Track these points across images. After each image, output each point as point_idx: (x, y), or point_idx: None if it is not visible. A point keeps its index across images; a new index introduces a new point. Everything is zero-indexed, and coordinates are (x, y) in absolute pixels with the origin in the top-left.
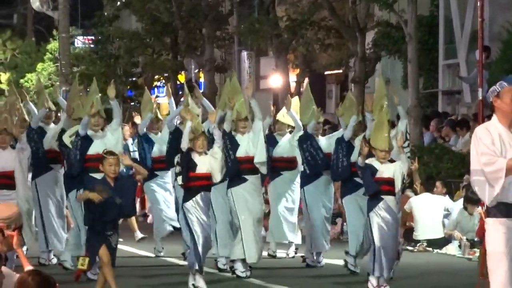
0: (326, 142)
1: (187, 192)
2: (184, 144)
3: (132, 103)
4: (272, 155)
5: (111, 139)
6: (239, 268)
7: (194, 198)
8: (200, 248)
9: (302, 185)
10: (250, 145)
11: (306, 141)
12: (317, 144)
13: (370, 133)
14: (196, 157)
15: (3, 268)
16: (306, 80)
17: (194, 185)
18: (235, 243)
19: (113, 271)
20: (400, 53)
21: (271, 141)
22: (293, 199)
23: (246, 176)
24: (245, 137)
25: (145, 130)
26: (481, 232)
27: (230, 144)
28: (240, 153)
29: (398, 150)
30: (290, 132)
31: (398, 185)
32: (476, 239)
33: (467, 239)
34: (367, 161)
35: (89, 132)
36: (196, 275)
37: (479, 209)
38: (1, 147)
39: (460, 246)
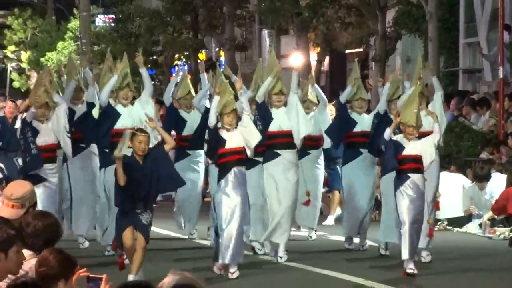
0: (368, 119)
1: (220, 170)
2: (212, 120)
3: (153, 82)
4: None
5: (140, 112)
6: (280, 252)
7: (227, 176)
8: (223, 238)
9: (342, 164)
10: (285, 119)
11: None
12: (348, 116)
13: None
14: (224, 133)
15: (25, 251)
16: (356, 59)
17: (225, 161)
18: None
19: (139, 255)
20: (421, 31)
21: None
22: (317, 180)
23: (279, 151)
24: (280, 111)
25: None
26: (498, 210)
27: (262, 117)
28: (274, 127)
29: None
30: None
31: (427, 159)
32: (496, 217)
33: (488, 219)
34: (395, 137)
35: (118, 106)
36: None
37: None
38: (41, 121)
39: (480, 225)
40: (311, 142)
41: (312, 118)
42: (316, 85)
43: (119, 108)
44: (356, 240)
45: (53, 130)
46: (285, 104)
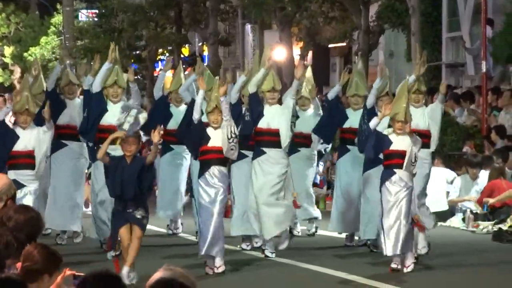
0: None
1: (201, 166)
2: (196, 115)
3: (136, 77)
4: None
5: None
6: (269, 249)
7: (208, 173)
8: (207, 233)
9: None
10: (275, 118)
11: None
12: (342, 113)
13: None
14: (210, 131)
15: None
16: (359, 53)
17: (206, 158)
18: (253, 219)
19: (134, 244)
20: (404, 26)
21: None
22: (309, 177)
23: (265, 149)
24: (272, 108)
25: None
26: (482, 202)
27: (253, 109)
28: (262, 124)
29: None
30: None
31: (408, 158)
32: (478, 211)
33: (471, 211)
34: (384, 131)
35: (108, 103)
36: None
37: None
38: (22, 127)
39: (464, 219)
40: (302, 140)
41: (310, 115)
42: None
43: (108, 104)
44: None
45: (36, 139)
46: (279, 101)
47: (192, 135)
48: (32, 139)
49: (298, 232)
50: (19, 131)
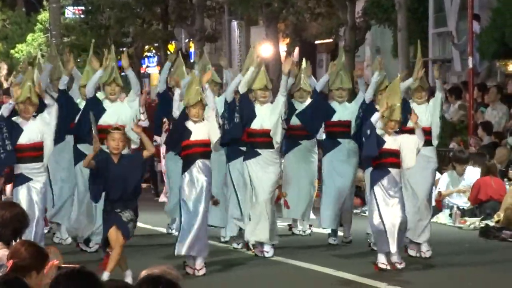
0: (350, 108)
1: (185, 161)
2: (175, 111)
3: (123, 73)
4: (290, 123)
5: (126, 110)
6: (265, 249)
7: (191, 168)
8: (189, 232)
9: (322, 154)
10: (267, 118)
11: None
12: (326, 105)
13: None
14: (191, 125)
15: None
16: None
17: (190, 153)
18: (247, 222)
19: (116, 252)
20: (390, 21)
21: (289, 107)
22: (311, 171)
23: (259, 150)
24: (264, 108)
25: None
26: (473, 200)
27: (242, 108)
28: (255, 125)
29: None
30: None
31: (408, 158)
32: (466, 207)
33: (458, 207)
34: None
35: (105, 102)
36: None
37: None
38: (25, 118)
39: (450, 215)
40: (301, 132)
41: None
42: (312, 78)
43: (106, 103)
44: (340, 233)
45: (40, 129)
46: (271, 100)
47: (173, 131)
48: (35, 130)
49: (299, 231)
50: (22, 123)
